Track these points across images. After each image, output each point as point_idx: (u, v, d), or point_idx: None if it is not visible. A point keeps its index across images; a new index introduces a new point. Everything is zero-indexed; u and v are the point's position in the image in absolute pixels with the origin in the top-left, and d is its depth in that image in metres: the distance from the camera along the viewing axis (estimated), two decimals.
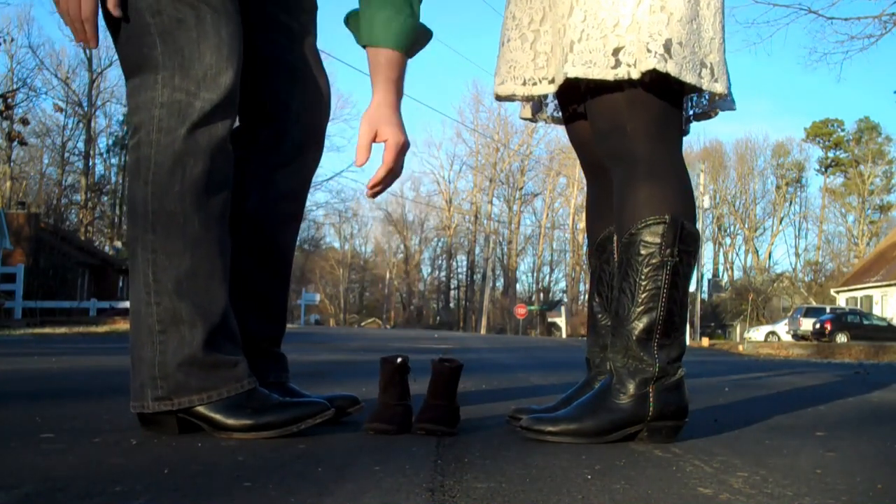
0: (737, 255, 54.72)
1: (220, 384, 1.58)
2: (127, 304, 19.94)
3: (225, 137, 1.63)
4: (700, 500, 1.16)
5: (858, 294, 38.41)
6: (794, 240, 63.79)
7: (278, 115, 1.84)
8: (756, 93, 78.04)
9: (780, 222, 53.76)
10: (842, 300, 39.66)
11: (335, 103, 40.27)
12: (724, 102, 1.81)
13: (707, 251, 49.79)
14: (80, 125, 38.47)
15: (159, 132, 1.58)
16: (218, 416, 1.57)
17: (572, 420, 1.64)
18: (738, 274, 53.05)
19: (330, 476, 1.24)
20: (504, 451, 1.51)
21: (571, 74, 1.65)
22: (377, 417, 1.69)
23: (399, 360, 1.73)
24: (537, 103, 2.00)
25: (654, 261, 1.65)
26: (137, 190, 1.60)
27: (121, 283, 31.70)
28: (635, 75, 1.62)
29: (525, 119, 2.04)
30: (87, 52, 36.98)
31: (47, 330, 11.28)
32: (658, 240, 1.65)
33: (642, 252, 1.65)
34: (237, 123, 1.80)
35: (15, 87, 29.30)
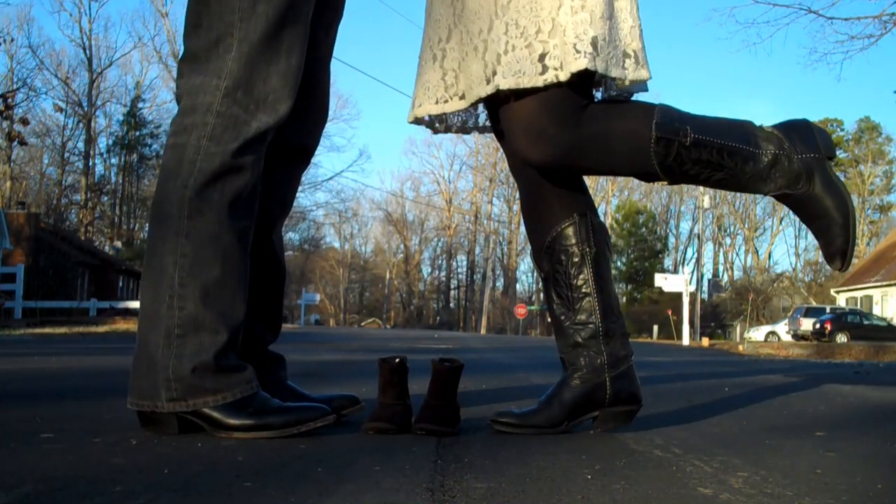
0: (737, 255, 54.78)
1: (234, 386, 1.59)
2: (127, 304, 20.06)
3: (262, 160, 1.66)
4: (700, 500, 1.16)
5: (858, 294, 38.40)
6: (794, 240, 63.56)
7: (287, 125, 1.84)
8: (756, 93, 78.11)
9: (780, 222, 53.72)
10: (842, 300, 39.65)
11: (335, 103, 40.17)
12: (638, 86, 1.82)
13: (707, 251, 49.84)
14: (80, 125, 38.51)
15: (210, 140, 1.59)
16: (220, 416, 1.57)
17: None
18: (738, 274, 53.11)
19: (330, 476, 1.24)
20: (504, 451, 1.51)
21: (504, 86, 1.65)
22: (377, 417, 1.69)
23: (397, 360, 1.73)
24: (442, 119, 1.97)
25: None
26: (173, 190, 1.60)
27: (120, 283, 31.70)
28: (563, 77, 1.63)
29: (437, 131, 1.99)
30: (88, 52, 37.00)
31: (47, 330, 11.28)
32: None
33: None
34: None
35: (15, 87, 29.32)
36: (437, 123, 1.97)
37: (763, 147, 1.72)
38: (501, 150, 1.97)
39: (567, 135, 1.69)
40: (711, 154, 1.69)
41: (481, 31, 1.69)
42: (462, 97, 1.77)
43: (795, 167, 1.72)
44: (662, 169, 1.70)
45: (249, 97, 1.60)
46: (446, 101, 1.80)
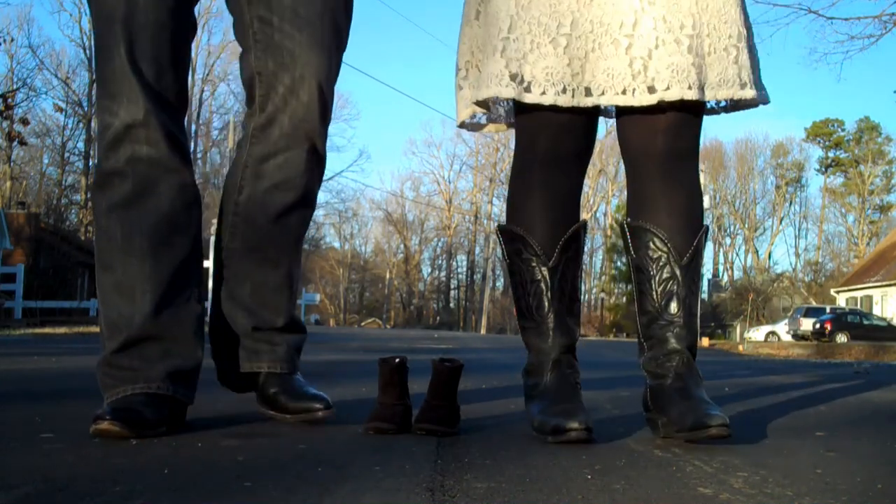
0: (737, 255, 54.73)
1: (127, 382, 1.64)
2: None
3: (150, 152, 1.68)
4: (700, 500, 1.16)
5: (858, 294, 38.41)
6: (794, 240, 63.65)
7: (266, 102, 1.78)
8: None
9: (780, 222, 53.78)
10: (842, 300, 39.65)
11: (335, 103, 40.11)
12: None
13: (707, 251, 49.70)
14: (80, 125, 38.45)
15: (99, 154, 1.71)
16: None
17: None
18: (738, 274, 53.04)
19: (330, 476, 1.24)
20: (504, 451, 1.51)
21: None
22: (377, 417, 1.69)
23: (397, 360, 1.73)
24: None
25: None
26: None
27: None
28: (722, 95, 1.73)
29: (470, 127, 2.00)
30: (88, 52, 37.00)
31: (47, 330, 11.27)
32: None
33: (649, 258, 1.81)
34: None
35: (15, 87, 29.28)
36: (486, 118, 2.00)
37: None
38: (513, 147, 1.95)
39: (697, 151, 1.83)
40: (698, 294, 1.78)
41: (683, 26, 1.68)
42: (651, 90, 1.67)
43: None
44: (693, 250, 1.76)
45: (111, 100, 1.68)
46: (633, 91, 1.68)
